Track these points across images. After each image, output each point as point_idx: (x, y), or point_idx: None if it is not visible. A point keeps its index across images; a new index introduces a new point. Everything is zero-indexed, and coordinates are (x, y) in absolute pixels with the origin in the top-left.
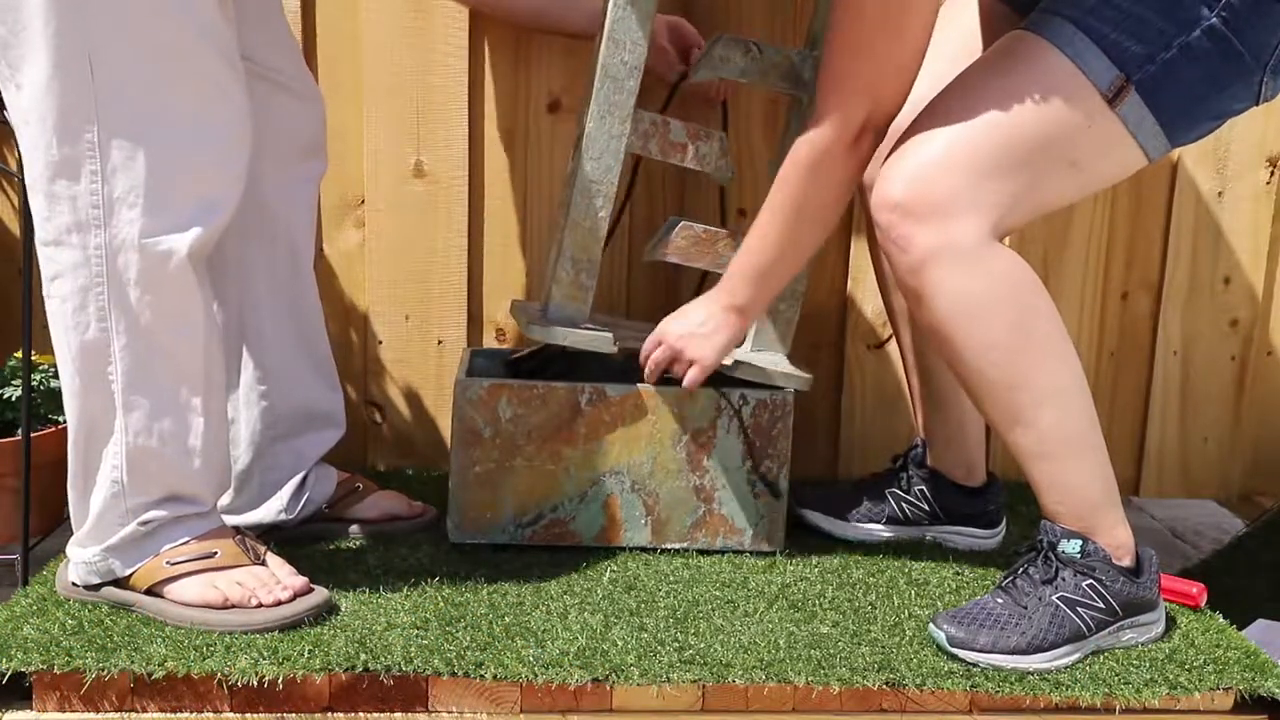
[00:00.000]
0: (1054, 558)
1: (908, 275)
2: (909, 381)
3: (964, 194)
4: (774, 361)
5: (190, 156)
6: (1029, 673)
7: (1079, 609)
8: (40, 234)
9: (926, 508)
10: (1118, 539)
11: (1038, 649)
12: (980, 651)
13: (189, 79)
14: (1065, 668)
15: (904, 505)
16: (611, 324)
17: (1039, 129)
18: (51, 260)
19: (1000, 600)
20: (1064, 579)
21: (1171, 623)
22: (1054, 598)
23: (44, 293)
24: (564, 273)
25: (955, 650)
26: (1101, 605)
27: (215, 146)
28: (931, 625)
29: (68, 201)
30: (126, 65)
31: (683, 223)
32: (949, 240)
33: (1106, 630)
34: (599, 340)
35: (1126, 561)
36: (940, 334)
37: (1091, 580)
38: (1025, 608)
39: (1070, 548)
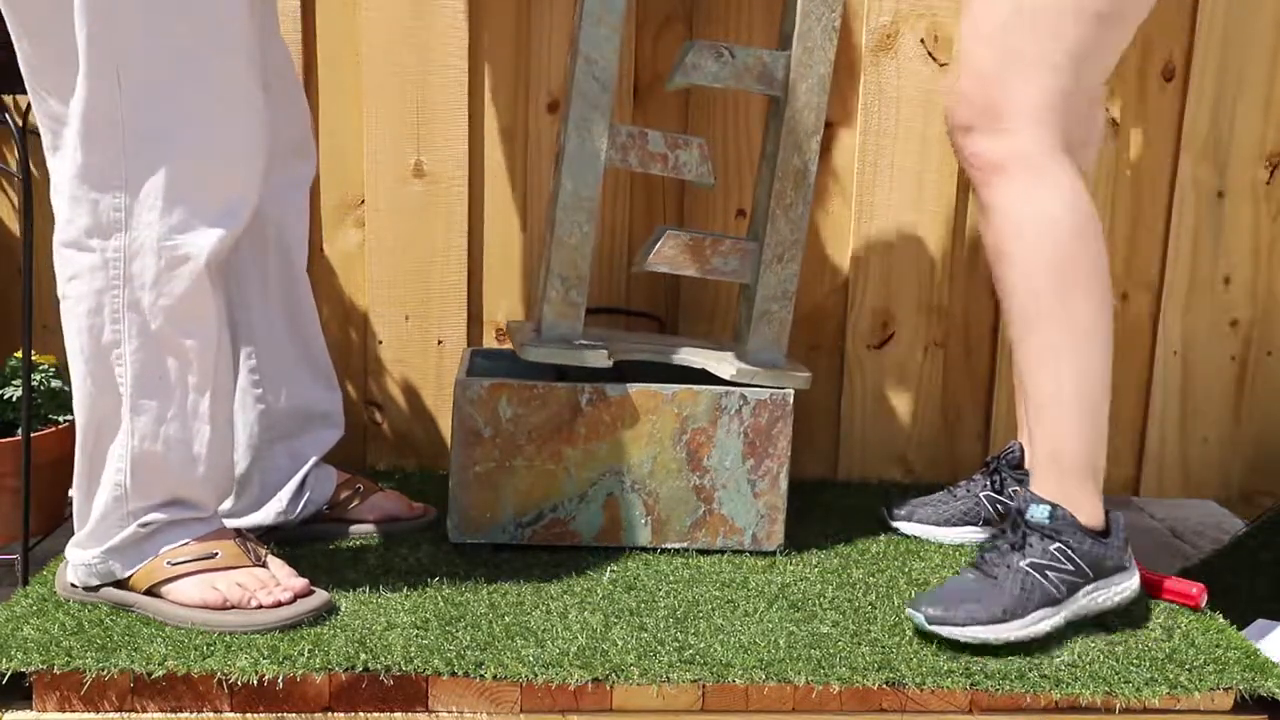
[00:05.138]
0: (1022, 523)
1: (981, 189)
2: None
3: (1020, 96)
4: (773, 364)
5: (211, 161)
6: (1011, 643)
7: (1048, 573)
8: (60, 235)
9: None
10: (1088, 510)
11: (1013, 617)
12: (959, 626)
13: (214, 84)
14: (1044, 633)
15: (998, 507)
16: (607, 337)
17: None
18: (69, 262)
19: (971, 576)
20: (1031, 544)
21: (1172, 622)
22: (1023, 564)
23: (58, 293)
24: (554, 291)
25: (935, 629)
26: (1070, 568)
27: (236, 150)
28: (909, 609)
29: (89, 205)
30: (153, 71)
31: (669, 230)
32: (1016, 150)
33: (1080, 593)
34: (594, 357)
35: (1095, 525)
36: (998, 250)
37: (1059, 544)
38: (996, 579)
39: (1039, 513)
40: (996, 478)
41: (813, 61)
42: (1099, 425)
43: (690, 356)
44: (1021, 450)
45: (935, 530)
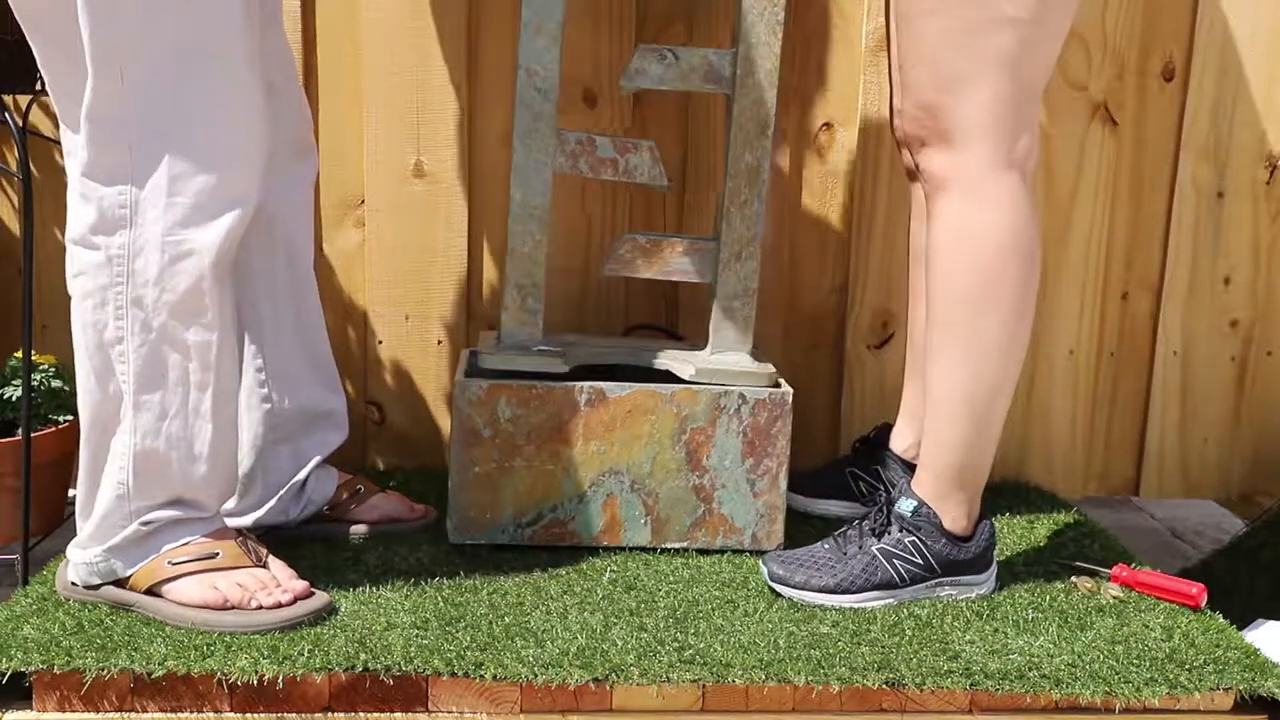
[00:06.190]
0: (889, 511)
1: (929, 199)
2: (908, 360)
3: (964, 113)
4: (736, 362)
5: (214, 157)
6: (835, 610)
7: (895, 561)
8: (69, 232)
9: (881, 488)
10: (953, 514)
11: (845, 590)
12: (795, 588)
13: (216, 81)
14: (871, 610)
15: (861, 485)
16: (577, 343)
17: (974, 6)
18: (75, 258)
19: (826, 546)
20: (890, 532)
21: (1172, 623)
22: (874, 548)
23: (68, 289)
24: (510, 300)
25: (775, 585)
26: (919, 561)
27: (238, 147)
28: (760, 563)
29: (95, 202)
30: (155, 68)
31: (629, 235)
32: (959, 169)
33: (923, 584)
34: (548, 362)
35: (958, 530)
36: (926, 255)
37: (915, 538)
38: (845, 553)
39: (905, 506)
40: (863, 454)
41: (757, 57)
42: (981, 439)
43: (654, 358)
44: (887, 430)
45: (800, 500)
